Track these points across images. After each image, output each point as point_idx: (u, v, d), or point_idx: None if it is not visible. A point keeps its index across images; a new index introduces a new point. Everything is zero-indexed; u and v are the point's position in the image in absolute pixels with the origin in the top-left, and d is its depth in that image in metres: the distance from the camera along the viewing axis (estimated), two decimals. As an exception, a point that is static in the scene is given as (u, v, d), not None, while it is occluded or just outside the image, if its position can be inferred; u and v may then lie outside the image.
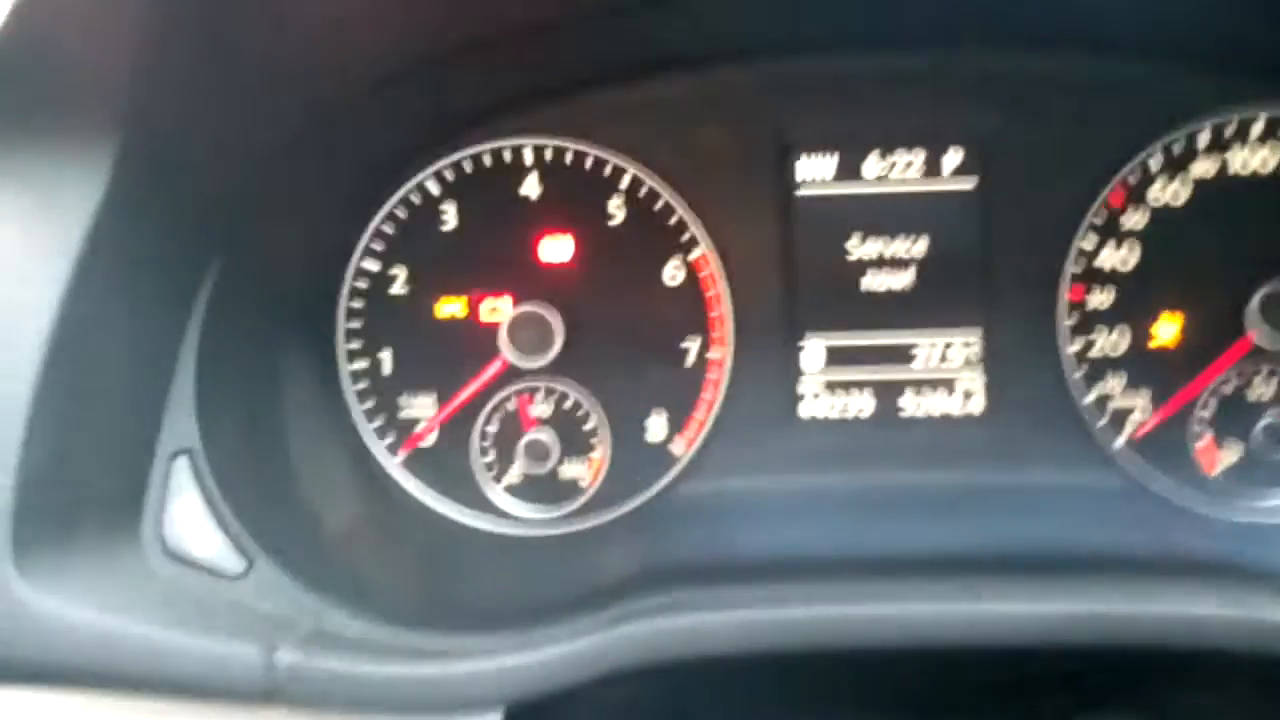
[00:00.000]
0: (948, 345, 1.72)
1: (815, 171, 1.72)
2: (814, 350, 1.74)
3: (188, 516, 1.36)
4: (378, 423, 1.75)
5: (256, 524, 1.39)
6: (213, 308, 1.48)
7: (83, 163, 1.27)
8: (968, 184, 1.70)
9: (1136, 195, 1.67)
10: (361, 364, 1.75)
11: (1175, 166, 1.66)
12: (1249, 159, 1.65)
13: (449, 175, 1.73)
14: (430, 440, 1.76)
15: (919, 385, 1.73)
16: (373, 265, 1.74)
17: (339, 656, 1.24)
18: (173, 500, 1.37)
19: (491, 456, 1.74)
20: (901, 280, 1.72)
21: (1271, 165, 1.65)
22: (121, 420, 1.37)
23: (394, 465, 1.75)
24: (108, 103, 1.26)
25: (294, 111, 1.52)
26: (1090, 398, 1.70)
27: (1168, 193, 1.67)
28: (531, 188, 1.73)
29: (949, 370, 1.73)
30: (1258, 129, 1.65)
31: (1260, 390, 1.66)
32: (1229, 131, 1.65)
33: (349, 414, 1.74)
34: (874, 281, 1.72)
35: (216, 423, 1.44)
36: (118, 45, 1.23)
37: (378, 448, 1.75)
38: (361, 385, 1.75)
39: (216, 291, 1.49)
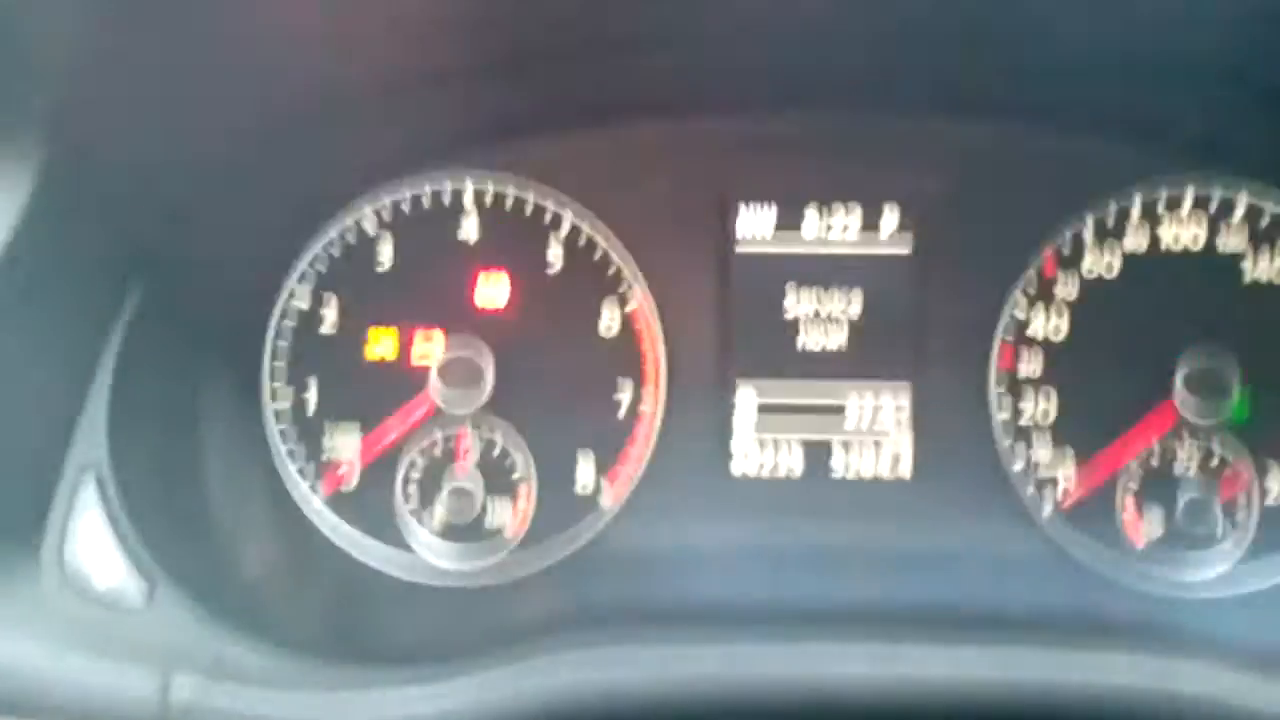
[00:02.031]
0: (878, 406, 1.72)
1: (754, 227, 1.72)
2: (746, 403, 1.73)
3: (91, 539, 1.31)
4: (299, 463, 1.70)
5: (162, 551, 1.34)
6: (133, 330, 1.44)
7: (4, 170, 1.24)
8: (904, 245, 1.71)
9: (1069, 264, 1.70)
10: (285, 400, 1.70)
11: (1107, 236, 1.69)
12: (1179, 233, 1.68)
13: (386, 213, 1.71)
14: (352, 483, 1.71)
15: (849, 444, 1.73)
16: (303, 300, 1.71)
17: (238, 689, 1.18)
18: (76, 521, 1.32)
19: (415, 504, 1.70)
20: (835, 339, 1.72)
21: (1201, 240, 1.68)
22: (29, 434, 1.32)
23: (313, 507, 1.70)
24: (29, 121, 1.23)
25: (228, 139, 1.49)
26: (1018, 465, 1.70)
27: (1100, 264, 1.69)
28: (470, 230, 1.72)
29: (879, 431, 1.72)
30: (1187, 203, 1.68)
31: (1184, 463, 1.67)
32: (1159, 204, 1.68)
33: (269, 450, 1.70)
34: (808, 339, 1.73)
35: (128, 446, 1.39)
36: (44, 58, 1.21)
37: (298, 487, 1.70)
38: (284, 421, 1.70)
39: (138, 314, 1.45)
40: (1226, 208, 1.68)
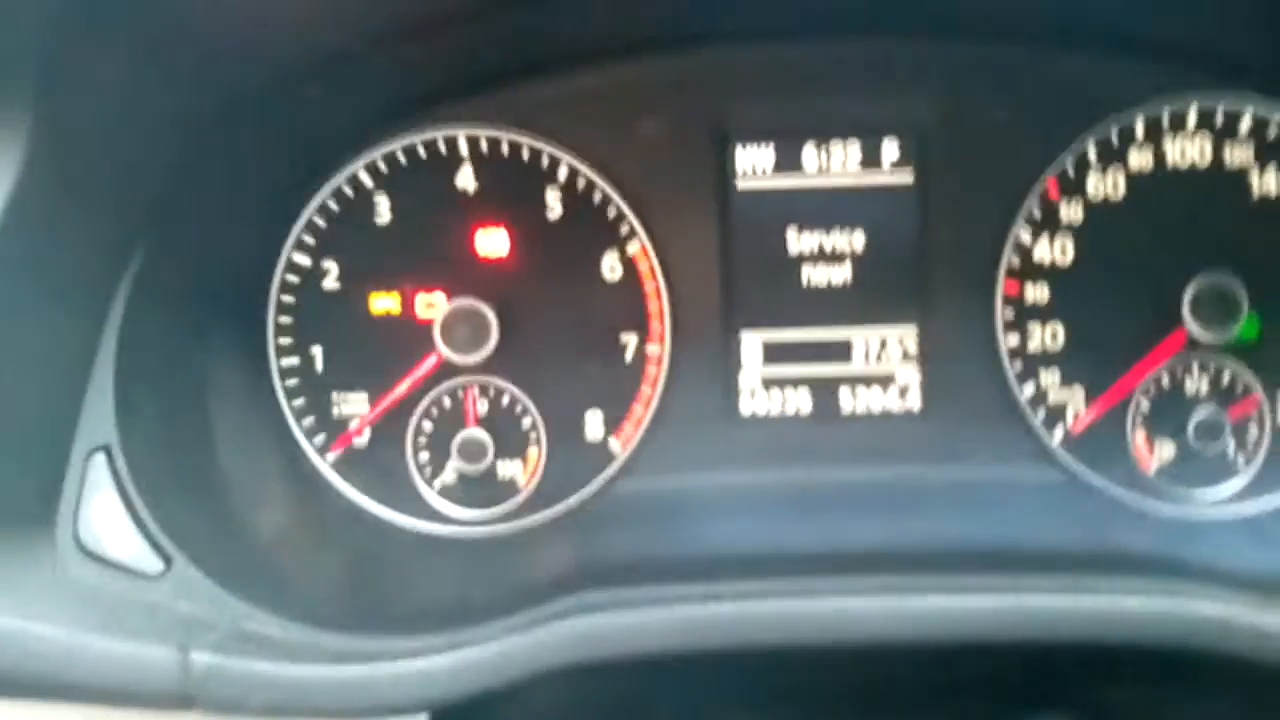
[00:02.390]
0: (884, 341, 1.71)
1: (754, 163, 1.70)
2: (752, 342, 1.72)
3: (104, 515, 1.32)
4: (309, 421, 1.71)
5: (176, 524, 1.35)
6: (135, 300, 1.44)
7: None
8: (905, 177, 1.69)
9: (1073, 188, 1.67)
10: (292, 360, 1.71)
11: (1111, 158, 1.67)
12: (1185, 149, 1.66)
13: (382, 166, 1.70)
14: (363, 439, 1.72)
15: (856, 381, 1.72)
16: (304, 259, 1.70)
17: (258, 658, 1.20)
18: (89, 498, 1.33)
19: (426, 456, 1.71)
20: (839, 274, 1.71)
21: (1207, 156, 1.65)
22: (35, 414, 1.33)
23: (325, 465, 1.72)
24: (16, 85, 1.21)
25: (219, 100, 1.48)
26: (1027, 392, 1.70)
27: (1104, 185, 1.67)
28: (466, 180, 1.70)
29: (886, 366, 1.72)
30: (1191, 119, 1.65)
31: (1195, 385, 1.67)
32: (1163, 122, 1.65)
33: (279, 412, 1.70)
34: (812, 275, 1.71)
35: (136, 419, 1.40)
36: (24, 28, 1.19)
37: (309, 447, 1.71)
38: (292, 382, 1.71)
39: (139, 283, 1.45)
40: (1232, 122, 1.65)
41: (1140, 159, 1.66)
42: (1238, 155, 1.65)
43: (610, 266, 1.71)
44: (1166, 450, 1.67)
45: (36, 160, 1.24)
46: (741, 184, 1.71)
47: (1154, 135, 1.66)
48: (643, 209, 1.70)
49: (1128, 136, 1.66)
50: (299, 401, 1.71)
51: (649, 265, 1.70)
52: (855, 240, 1.71)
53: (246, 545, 1.50)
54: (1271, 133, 1.65)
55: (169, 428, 1.48)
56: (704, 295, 1.71)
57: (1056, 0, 1.57)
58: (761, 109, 1.69)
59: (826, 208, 1.70)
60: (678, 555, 1.57)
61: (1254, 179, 1.66)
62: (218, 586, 1.31)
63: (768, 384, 1.73)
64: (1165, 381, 1.67)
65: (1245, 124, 1.65)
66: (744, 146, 1.70)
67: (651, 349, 1.71)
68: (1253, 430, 1.65)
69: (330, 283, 1.71)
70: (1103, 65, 1.65)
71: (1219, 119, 1.65)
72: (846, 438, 1.71)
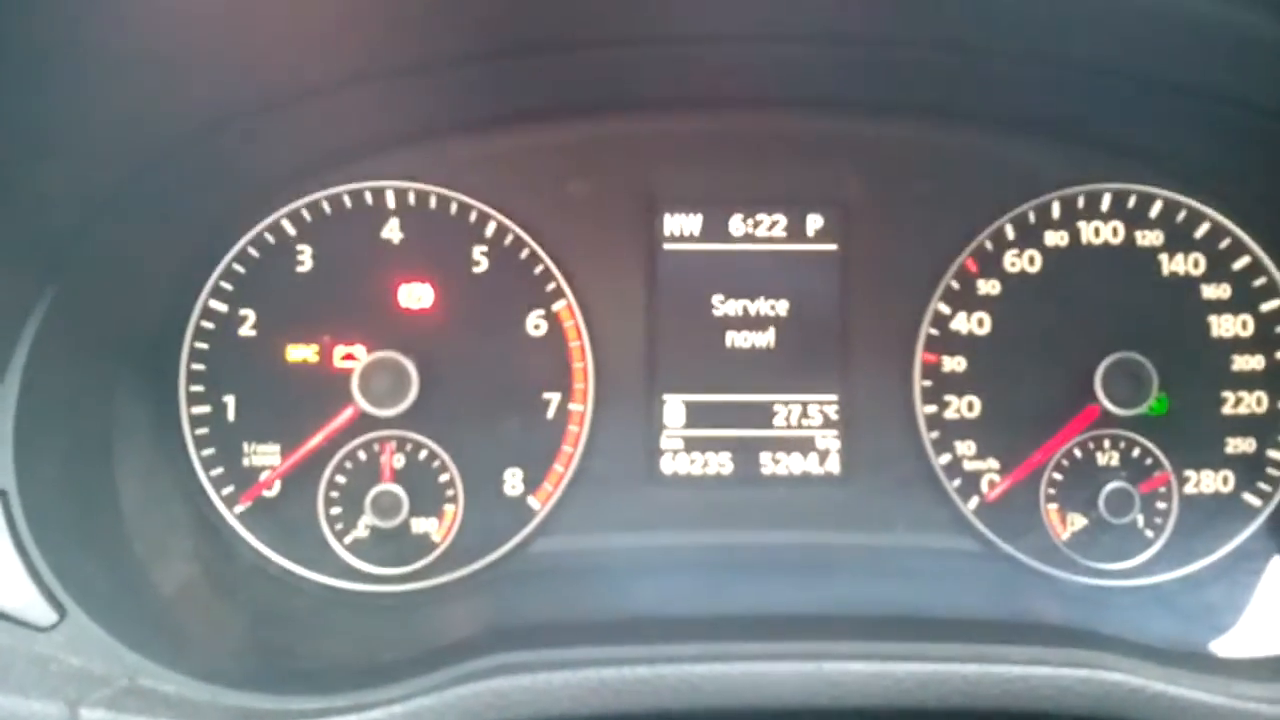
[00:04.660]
0: (805, 405, 1.72)
1: (681, 227, 1.72)
2: (675, 402, 1.72)
3: (-5, 562, 1.27)
4: (218, 471, 1.66)
5: (73, 573, 1.30)
6: (41, 339, 1.39)
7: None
8: (829, 248, 1.71)
9: (991, 264, 1.71)
10: (203, 408, 1.67)
11: (1028, 236, 1.71)
12: (1099, 231, 1.71)
13: (306, 215, 1.68)
14: (274, 491, 1.68)
15: (777, 445, 1.73)
16: (221, 305, 1.67)
17: (152, 716, 1.15)
18: (-20, 545, 1.27)
19: (338, 509, 1.67)
20: (763, 340, 1.72)
21: (1120, 236, 1.70)
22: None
23: (233, 516, 1.67)
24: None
25: (147, 140, 1.45)
26: (944, 460, 1.71)
27: (1021, 262, 1.71)
28: (392, 232, 1.69)
29: (807, 431, 1.73)
30: (1105, 203, 1.71)
31: (1106, 458, 1.70)
32: (1079, 204, 1.70)
33: (187, 461, 1.66)
34: (736, 339, 1.72)
35: (36, 463, 1.35)
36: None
37: (217, 498, 1.66)
38: (202, 430, 1.66)
39: (47, 322, 1.40)
40: (1144, 207, 1.71)
41: (1056, 239, 1.71)
42: (1149, 239, 1.71)
43: (535, 324, 1.70)
44: (1078, 521, 1.70)
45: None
46: (668, 247, 1.72)
47: (1070, 217, 1.71)
48: (569, 268, 1.70)
49: (1045, 217, 1.71)
50: (209, 451, 1.66)
51: (574, 324, 1.70)
52: (779, 307, 1.72)
53: (147, 598, 1.44)
54: (1180, 217, 1.71)
55: (71, 473, 1.42)
56: (628, 355, 1.71)
57: (981, 87, 1.61)
58: (690, 177, 1.72)
59: (751, 275, 1.72)
60: (595, 616, 1.54)
61: (1164, 262, 1.71)
62: (114, 640, 1.26)
63: (689, 445, 1.73)
64: (1078, 454, 1.70)
65: (1156, 209, 1.71)
66: (672, 214, 1.71)
67: (574, 407, 1.70)
68: (1161, 503, 1.69)
69: (246, 330, 1.67)
70: (1024, 149, 1.71)
71: (1131, 203, 1.71)
72: (766, 500, 1.71)
